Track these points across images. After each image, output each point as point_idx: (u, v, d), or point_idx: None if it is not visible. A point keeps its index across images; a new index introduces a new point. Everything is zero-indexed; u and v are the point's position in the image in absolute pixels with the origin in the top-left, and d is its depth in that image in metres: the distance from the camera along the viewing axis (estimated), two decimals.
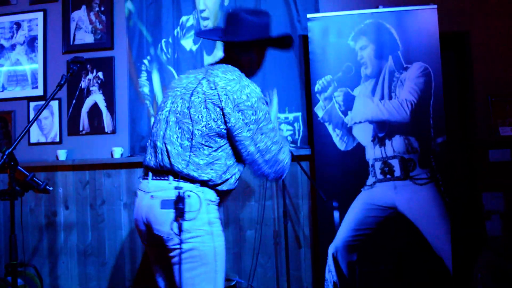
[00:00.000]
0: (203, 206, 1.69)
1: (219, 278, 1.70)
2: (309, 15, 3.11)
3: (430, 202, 2.93)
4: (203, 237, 1.67)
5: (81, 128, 3.57)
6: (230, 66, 1.80)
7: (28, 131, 2.19)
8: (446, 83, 3.38)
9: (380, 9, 3.08)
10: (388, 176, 2.96)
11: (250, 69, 1.87)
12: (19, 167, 2.10)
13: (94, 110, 3.56)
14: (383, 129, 2.98)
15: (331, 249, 3.00)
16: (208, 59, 3.43)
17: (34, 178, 2.17)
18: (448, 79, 3.49)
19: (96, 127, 3.55)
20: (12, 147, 2.01)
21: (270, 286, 3.32)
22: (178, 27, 3.49)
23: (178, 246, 1.65)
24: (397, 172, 2.96)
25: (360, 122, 3.01)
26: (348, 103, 3.03)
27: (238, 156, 1.78)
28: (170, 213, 1.65)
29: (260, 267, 3.33)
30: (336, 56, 3.06)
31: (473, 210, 3.35)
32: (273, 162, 1.76)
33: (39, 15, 3.70)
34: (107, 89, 3.54)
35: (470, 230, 3.36)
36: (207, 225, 1.69)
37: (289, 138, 3.33)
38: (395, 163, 2.96)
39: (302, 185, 3.32)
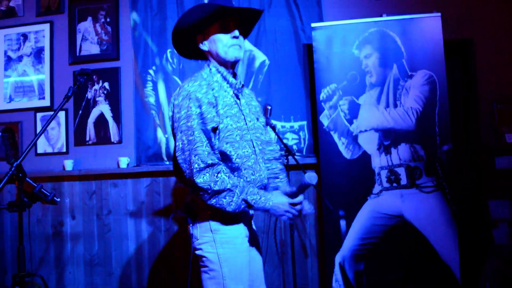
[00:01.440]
0: (204, 214, 1.75)
1: (229, 284, 1.70)
2: (313, 24, 3.13)
3: (437, 210, 2.92)
4: (206, 244, 1.74)
5: (87, 138, 3.59)
6: (202, 69, 1.83)
7: (36, 142, 2.21)
8: (451, 90, 3.38)
9: (384, 18, 3.09)
10: (395, 184, 2.96)
11: (221, 56, 1.79)
12: (27, 179, 2.11)
13: (100, 120, 3.58)
14: (389, 137, 2.98)
15: (338, 258, 2.99)
16: None
17: (42, 189, 2.18)
18: (453, 86, 3.49)
19: (102, 137, 3.57)
20: (20, 159, 2.03)
21: None
22: None
23: (193, 249, 1.78)
24: (403, 180, 2.95)
25: (365, 131, 3.01)
26: (353, 111, 3.04)
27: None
28: (185, 219, 1.81)
29: (267, 276, 3.30)
30: (341, 64, 3.07)
31: (480, 217, 3.33)
32: (188, 163, 1.67)
33: (46, 27, 3.73)
34: (113, 99, 3.57)
35: (477, 238, 3.34)
36: (209, 232, 1.74)
37: (295, 147, 3.33)
38: (401, 171, 2.96)
39: (308, 194, 3.32)
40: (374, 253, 2.96)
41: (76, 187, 3.56)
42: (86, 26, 3.68)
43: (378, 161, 2.99)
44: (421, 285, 2.90)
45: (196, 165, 1.64)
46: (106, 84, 3.59)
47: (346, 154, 3.03)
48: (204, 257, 1.74)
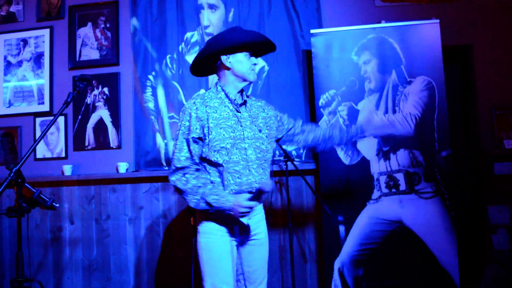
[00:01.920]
0: (194, 210, 2.09)
1: (205, 267, 2.03)
2: (312, 31, 3.15)
3: (436, 216, 2.92)
4: (197, 234, 2.09)
5: (86, 143, 3.59)
6: (210, 88, 2.16)
7: (35, 148, 2.22)
8: (450, 96, 3.39)
9: (383, 24, 3.11)
10: (393, 190, 2.96)
11: (245, 75, 2.06)
12: (26, 184, 2.11)
13: (100, 125, 3.58)
14: (388, 143, 2.99)
15: (337, 264, 2.98)
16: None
17: (41, 195, 2.18)
18: (452, 92, 3.51)
19: (102, 142, 3.57)
20: (19, 165, 2.03)
21: None
22: (183, 43, 3.53)
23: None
24: (402, 186, 2.96)
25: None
26: (352, 117, 3.04)
27: None
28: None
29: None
30: (340, 70, 3.08)
31: (479, 223, 3.33)
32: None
33: (46, 32, 3.75)
34: (113, 104, 3.58)
35: (476, 244, 3.34)
36: (195, 225, 2.10)
37: (294, 152, 3.33)
38: (400, 177, 2.96)
39: (307, 199, 3.32)
40: (373, 258, 2.96)
41: (75, 192, 3.55)
42: (86, 32, 3.69)
43: (377, 166, 3.00)
44: None
45: (172, 167, 2.02)
46: (106, 89, 3.60)
47: (345, 159, 3.03)
48: (197, 246, 2.09)
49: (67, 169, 3.51)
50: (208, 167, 2.03)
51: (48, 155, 3.65)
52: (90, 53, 3.67)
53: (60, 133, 3.63)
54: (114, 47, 3.62)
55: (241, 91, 2.10)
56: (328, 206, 2.82)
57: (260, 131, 2.08)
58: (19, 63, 3.78)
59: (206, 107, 2.01)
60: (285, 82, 3.39)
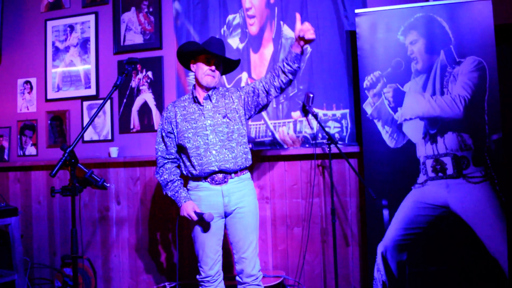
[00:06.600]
0: None
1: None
2: (356, 10, 3.07)
3: (485, 202, 2.83)
4: None
5: (131, 126, 3.68)
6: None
7: (85, 130, 2.32)
8: (502, 78, 3.24)
9: (431, 2, 2.99)
10: (440, 174, 2.88)
11: (199, 79, 2.48)
12: (79, 165, 2.19)
13: (144, 108, 3.66)
14: (435, 126, 2.90)
15: (380, 248, 2.95)
16: (254, 57, 3.45)
17: (93, 175, 2.26)
18: (504, 73, 3.35)
19: (146, 125, 3.65)
20: (72, 146, 2.10)
21: (317, 283, 3.32)
22: (225, 26, 3.53)
23: None
24: (450, 170, 2.87)
25: (410, 119, 2.94)
26: (398, 99, 2.97)
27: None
28: None
29: (307, 264, 3.33)
30: (385, 51, 3.00)
31: None
32: None
33: (91, 18, 3.84)
34: (156, 88, 3.64)
35: None
36: None
37: (337, 135, 3.29)
38: (447, 160, 2.88)
39: (350, 182, 3.29)
40: (418, 243, 2.91)
41: (121, 173, 3.67)
42: (129, 16, 3.76)
43: (423, 150, 2.92)
44: (466, 278, 2.83)
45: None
46: (150, 73, 3.66)
47: (390, 142, 2.97)
48: None
49: (114, 151, 3.61)
50: (181, 153, 2.48)
51: (95, 137, 3.77)
52: (134, 37, 3.74)
53: (106, 116, 3.74)
54: (157, 31, 3.67)
55: (206, 89, 2.46)
56: (372, 189, 2.79)
57: (224, 116, 2.41)
58: (67, 49, 3.90)
59: (175, 107, 2.49)
60: (328, 63, 3.34)
